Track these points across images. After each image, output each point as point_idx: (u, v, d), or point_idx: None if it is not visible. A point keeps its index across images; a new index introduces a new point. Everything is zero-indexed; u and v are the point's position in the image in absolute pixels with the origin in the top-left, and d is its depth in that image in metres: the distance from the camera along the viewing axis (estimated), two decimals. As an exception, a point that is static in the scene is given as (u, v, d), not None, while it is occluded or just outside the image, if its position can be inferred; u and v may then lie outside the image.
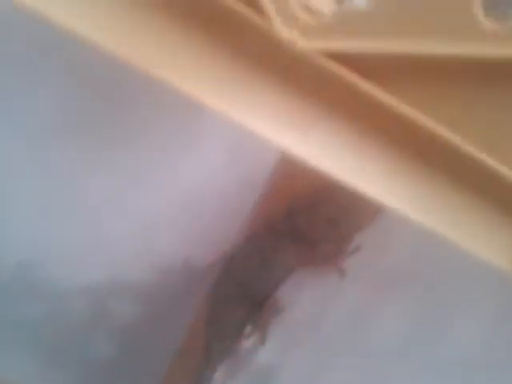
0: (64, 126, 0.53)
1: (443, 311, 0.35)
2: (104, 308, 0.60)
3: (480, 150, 0.21)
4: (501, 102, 0.21)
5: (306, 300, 0.49)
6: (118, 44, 0.19)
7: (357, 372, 0.40)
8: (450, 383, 0.32)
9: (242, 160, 0.56)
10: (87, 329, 0.60)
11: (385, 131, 0.22)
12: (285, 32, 0.20)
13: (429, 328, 0.36)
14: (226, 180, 0.57)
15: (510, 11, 0.25)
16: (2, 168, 0.52)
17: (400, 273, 0.41)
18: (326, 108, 0.21)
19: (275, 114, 0.21)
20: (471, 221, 0.23)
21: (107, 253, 0.58)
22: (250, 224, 0.56)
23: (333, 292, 0.46)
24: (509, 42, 0.19)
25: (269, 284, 0.52)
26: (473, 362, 0.31)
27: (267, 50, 0.20)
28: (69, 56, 0.47)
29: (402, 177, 0.23)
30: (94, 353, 0.61)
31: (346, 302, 0.44)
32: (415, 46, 0.20)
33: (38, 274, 0.57)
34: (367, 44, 0.20)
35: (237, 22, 0.20)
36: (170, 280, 0.59)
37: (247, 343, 0.53)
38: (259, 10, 0.19)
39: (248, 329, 0.53)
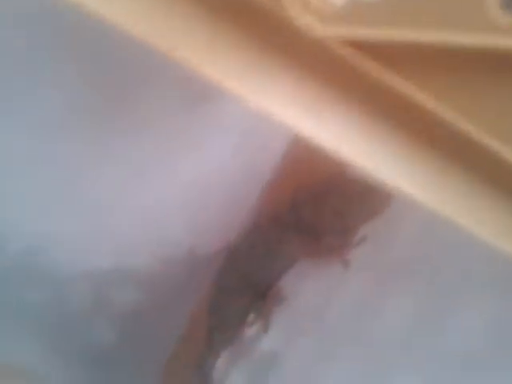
0: (69, 115, 0.53)
1: (447, 303, 0.35)
2: (107, 295, 0.60)
3: (491, 138, 0.21)
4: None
5: (310, 290, 0.49)
6: (134, 23, 0.19)
7: (360, 362, 0.40)
8: (454, 374, 0.32)
9: (248, 151, 0.56)
10: (90, 315, 0.61)
11: (398, 117, 0.22)
12: (301, 18, 0.20)
13: (432, 319, 0.36)
14: (231, 170, 0.57)
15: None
16: (6, 157, 0.52)
17: (404, 264, 0.41)
18: (341, 93, 0.21)
19: (291, 98, 0.21)
20: (481, 207, 0.24)
21: (111, 240, 0.58)
22: (255, 214, 0.56)
23: (336, 282, 0.46)
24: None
25: (272, 274, 0.53)
26: (476, 354, 0.31)
27: (284, 35, 0.20)
28: (76, 46, 0.47)
29: (414, 162, 0.23)
30: (97, 340, 0.61)
31: (349, 293, 0.44)
32: (428, 35, 0.20)
33: (41, 261, 0.57)
34: (381, 32, 0.20)
35: (254, 9, 0.20)
36: (174, 269, 0.59)
37: (250, 331, 0.54)
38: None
39: (251, 317, 0.54)
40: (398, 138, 0.22)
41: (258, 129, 0.55)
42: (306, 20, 0.20)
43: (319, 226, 0.49)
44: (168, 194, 0.58)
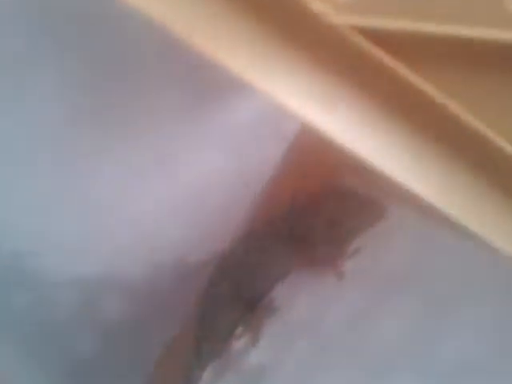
0: (67, 114, 0.52)
1: (444, 312, 0.35)
2: (93, 302, 0.59)
3: (501, 136, 0.21)
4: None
5: (303, 301, 0.48)
6: (153, 7, 0.19)
7: (353, 373, 0.40)
8: (453, 379, 0.31)
9: (243, 159, 0.56)
10: (74, 322, 0.59)
11: (405, 107, 0.22)
12: (315, 5, 0.20)
13: (429, 329, 0.36)
14: (226, 178, 0.57)
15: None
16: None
17: (400, 275, 0.41)
18: (355, 83, 0.21)
19: (304, 87, 0.21)
20: (487, 207, 0.23)
21: (100, 246, 0.57)
22: (249, 222, 0.56)
23: (330, 294, 0.46)
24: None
25: (264, 284, 0.52)
26: (475, 363, 0.31)
27: (299, 23, 0.20)
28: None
29: (423, 158, 0.23)
30: (81, 347, 0.60)
31: (344, 304, 0.44)
32: (443, 27, 0.20)
33: (29, 264, 0.56)
34: (393, 22, 0.20)
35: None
36: (164, 277, 0.58)
37: (238, 344, 0.53)
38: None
39: (240, 329, 0.53)
40: (403, 128, 0.22)
41: (255, 137, 0.55)
42: (320, 7, 0.20)
43: (314, 236, 0.49)
44: (159, 202, 0.57)
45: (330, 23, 0.20)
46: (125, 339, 0.59)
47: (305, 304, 0.48)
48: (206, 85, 0.52)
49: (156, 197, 0.56)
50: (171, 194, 0.56)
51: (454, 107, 0.21)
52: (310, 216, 0.49)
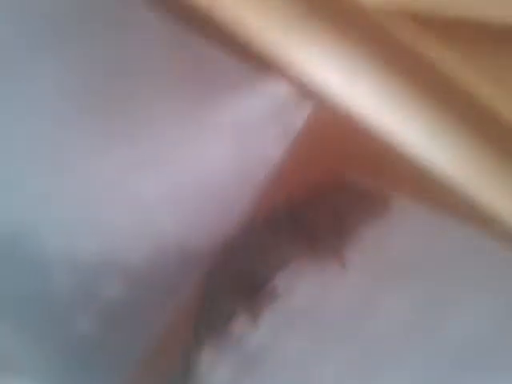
0: (67, 102, 0.52)
1: (446, 299, 0.36)
2: (91, 285, 0.59)
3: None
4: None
5: (304, 288, 0.50)
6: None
7: (353, 359, 0.41)
8: (452, 370, 0.32)
9: (246, 150, 0.57)
10: (73, 302, 0.60)
11: (433, 91, 0.22)
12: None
13: (430, 316, 0.36)
14: (228, 168, 0.57)
15: None
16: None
17: (401, 264, 0.42)
18: (378, 58, 0.22)
19: (331, 58, 0.22)
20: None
21: (99, 230, 0.57)
22: (251, 213, 0.56)
23: (332, 281, 0.47)
24: None
25: (266, 272, 0.53)
26: (475, 349, 0.32)
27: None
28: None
29: (440, 133, 0.23)
30: (79, 327, 0.60)
31: (345, 292, 0.45)
32: (478, 11, 0.21)
33: (26, 245, 0.56)
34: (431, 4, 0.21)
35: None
36: (163, 264, 0.59)
37: (238, 328, 0.54)
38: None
39: (240, 315, 0.54)
40: (427, 109, 0.23)
41: (259, 129, 0.55)
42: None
43: (316, 227, 0.50)
44: (161, 189, 0.57)
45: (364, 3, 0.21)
46: (123, 320, 0.60)
47: (306, 291, 0.50)
48: (211, 77, 0.52)
49: (158, 182, 0.57)
50: (174, 180, 0.57)
51: (486, 92, 0.22)
52: (313, 207, 0.50)
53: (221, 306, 0.54)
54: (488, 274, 0.35)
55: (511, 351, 0.31)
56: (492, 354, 0.32)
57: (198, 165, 0.55)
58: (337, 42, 0.22)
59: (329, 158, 0.50)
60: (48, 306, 0.58)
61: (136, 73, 0.52)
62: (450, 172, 0.25)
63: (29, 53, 0.49)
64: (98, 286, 0.59)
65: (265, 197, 0.55)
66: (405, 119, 0.23)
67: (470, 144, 0.24)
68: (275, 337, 0.50)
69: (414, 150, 0.24)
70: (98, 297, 0.59)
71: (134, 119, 0.53)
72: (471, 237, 0.36)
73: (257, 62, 0.49)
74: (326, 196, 0.50)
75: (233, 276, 0.54)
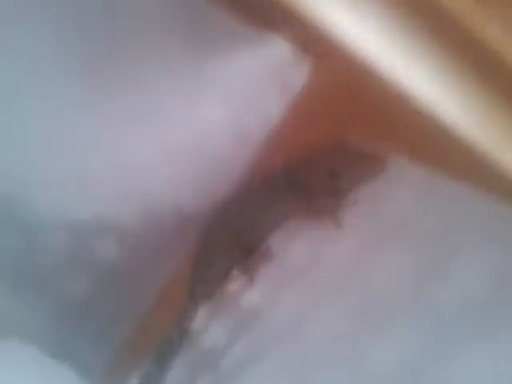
0: (62, 56, 0.51)
1: (443, 260, 0.36)
2: (84, 246, 0.59)
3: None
4: None
5: (300, 246, 0.50)
6: None
7: (350, 318, 0.41)
8: (449, 332, 0.33)
9: (243, 112, 0.57)
10: (65, 266, 0.60)
11: (443, 34, 0.22)
12: None
13: (427, 276, 0.36)
14: (225, 129, 0.57)
15: None
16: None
17: (398, 225, 0.42)
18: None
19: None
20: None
21: (93, 190, 0.57)
22: (248, 174, 0.57)
23: (328, 240, 0.48)
24: None
25: (262, 232, 0.54)
26: (474, 311, 0.32)
27: None
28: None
29: (448, 80, 0.24)
30: (72, 289, 0.60)
31: (341, 249, 0.46)
32: None
33: (19, 205, 0.56)
34: None
35: None
36: (158, 224, 0.59)
37: (233, 287, 0.55)
38: None
39: (236, 273, 0.55)
40: (436, 53, 0.23)
41: (258, 89, 0.55)
42: None
43: (313, 186, 0.50)
44: (157, 148, 0.57)
45: None
46: (117, 282, 0.60)
47: (302, 251, 0.50)
48: (210, 35, 0.52)
49: (154, 144, 0.56)
50: (170, 140, 0.56)
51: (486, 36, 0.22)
52: (311, 167, 0.50)
53: (216, 266, 0.55)
54: (488, 236, 0.35)
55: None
56: (494, 313, 0.32)
57: (195, 124, 0.55)
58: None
59: (327, 119, 0.50)
60: (39, 269, 0.58)
61: (134, 31, 0.51)
62: (456, 125, 0.25)
63: (27, 11, 0.48)
64: (91, 249, 0.59)
65: (263, 157, 0.55)
66: (412, 61, 0.23)
67: (480, 95, 0.24)
68: (270, 296, 0.50)
69: (421, 100, 0.24)
70: (91, 259, 0.59)
71: (128, 76, 0.52)
72: (469, 196, 0.36)
73: (258, 18, 0.48)
74: (323, 156, 0.50)
75: (229, 235, 0.54)
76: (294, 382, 0.41)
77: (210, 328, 0.55)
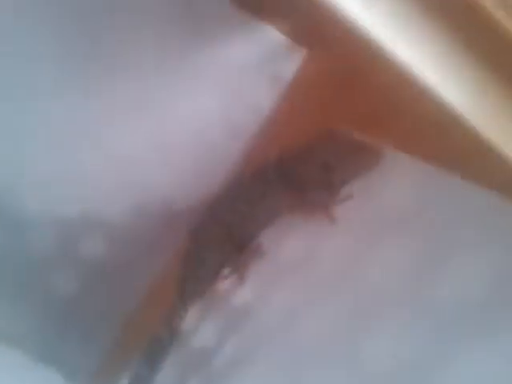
0: (54, 49, 0.50)
1: (442, 254, 0.35)
2: (73, 242, 0.58)
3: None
4: None
5: (293, 242, 0.49)
6: None
7: (345, 314, 0.40)
8: (448, 328, 0.32)
9: (235, 105, 0.56)
10: (54, 261, 0.58)
11: (452, 17, 0.22)
12: None
13: (424, 271, 0.35)
14: (215, 123, 0.56)
15: None
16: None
17: (394, 218, 0.41)
18: None
19: None
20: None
21: (81, 185, 0.56)
22: (239, 168, 0.56)
23: (322, 235, 0.46)
24: None
25: (254, 228, 0.53)
26: (474, 306, 0.31)
27: None
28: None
29: (449, 65, 0.23)
30: (60, 288, 0.59)
31: (335, 244, 0.45)
32: None
33: (6, 202, 0.55)
34: None
35: None
36: (147, 220, 0.58)
37: (224, 285, 0.54)
38: None
39: (226, 271, 0.54)
40: (444, 35, 0.22)
41: (247, 83, 0.54)
42: None
43: (305, 181, 0.49)
44: (147, 143, 0.56)
45: None
46: (106, 280, 0.59)
47: (294, 247, 0.49)
48: (202, 23, 0.51)
49: (144, 139, 0.55)
50: (160, 136, 0.55)
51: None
52: (303, 160, 0.49)
53: (208, 262, 0.53)
54: (488, 231, 0.34)
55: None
56: (495, 306, 0.31)
57: (186, 117, 0.54)
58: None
59: (320, 110, 0.49)
60: (27, 267, 0.57)
61: (127, 25, 0.50)
62: (457, 113, 0.24)
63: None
64: (79, 245, 0.58)
65: (254, 150, 0.54)
66: (413, 45, 0.22)
67: (486, 79, 0.23)
68: (262, 293, 0.49)
69: (420, 86, 0.23)
70: (80, 256, 0.58)
71: (118, 69, 0.51)
72: (469, 189, 0.35)
73: (251, 7, 0.47)
74: (316, 149, 0.48)
75: (220, 231, 0.53)
76: (288, 381, 0.39)
77: (200, 327, 0.53)
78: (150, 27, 0.50)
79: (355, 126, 0.47)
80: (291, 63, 0.52)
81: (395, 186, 0.42)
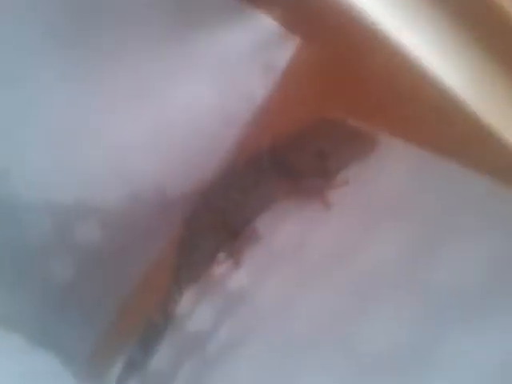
0: (40, 38, 0.50)
1: (436, 239, 0.35)
2: (68, 230, 0.58)
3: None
4: None
5: (287, 228, 0.49)
6: None
7: (340, 299, 0.40)
8: (445, 313, 0.32)
9: (228, 92, 0.56)
10: (48, 250, 0.58)
11: (453, 3, 0.22)
12: None
13: (420, 257, 0.36)
14: (208, 110, 0.56)
15: None
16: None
17: (389, 206, 0.41)
18: None
19: None
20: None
21: (76, 172, 0.56)
22: (232, 155, 0.56)
23: (316, 221, 0.47)
24: None
25: (248, 214, 0.53)
26: (471, 290, 0.31)
27: None
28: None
29: (456, 46, 0.23)
30: (56, 274, 0.59)
31: (330, 231, 0.45)
32: None
33: (1, 188, 0.54)
34: None
35: None
36: (142, 207, 0.58)
37: (219, 269, 0.54)
38: None
39: (221, 255, 0.54)
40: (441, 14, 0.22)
41: (240, 71, 0.54)
42: None
43: (300, 168, 0.49)
44: (141, 129, 0.56)
45: None
46: (101, 266, 0.59)
47: (289, 233, 0.49)
48: (195, 10, 0.51)
49: (138, 126, 0.55)
50: (152, 119, 0.55)
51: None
52: (297, 148, 0.49)
53: (202, 249, 0.54)
54: (486, 214, 0.34)
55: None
56: (492, 292, 0.31)
57: (179, 104, 0.54)
58: None
59: (314, 98, 0.49)
60: (23, 254, 0.57)
61: (118, 12, 0.50)
62: (456, 97, 0.24)
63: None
64: (74, 232, 0.58)
65: (248, 137, 0.54)
66: (411, 30, 0.22)
67: (487, 64, 0.23)
68: (257, 278, 0.50)
69: (417, 71, 0.24)
70: (75, 243, 0.58)
71: (110, 54, 0.51)
72: (468, 175, 0.35)
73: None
74: (311, 136, 0.49)
75: (214, 217, 0.53)
76: (283, 365, 0.40)
77: (195, 312, 0.54)
78: (143, 17, 0.50)
79: (351, 113, 0.47)
80: (285, 51, 0.53)
81: (391, 171, 0.43)
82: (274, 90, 0.53)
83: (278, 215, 0.52)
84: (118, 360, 0.55)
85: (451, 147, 0.35)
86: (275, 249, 0.50)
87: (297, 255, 0.47)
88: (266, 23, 0.52)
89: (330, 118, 0.48)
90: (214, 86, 0.55)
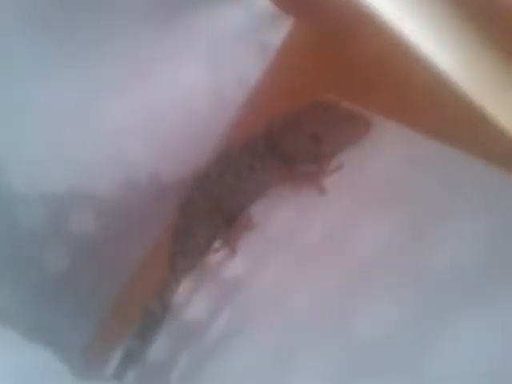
0: (29, 21, 0.49)
1: (431, 223, 0.35)
2: (62, 219, 0.57)
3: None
4: None
5: (282, 214, 0.49)
6: None
7: (337, 285, 0.39)
8: (439, 296, 0.32)
9: (221, 76, 0.55)
10: (44, 239, 0.58)
11: None
12: None
13: (415, 239, 0.35)
14: (202, 94, 0.55)
15: None
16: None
17: (385, 190, 0.41)
18: None
19: None
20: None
21: (69, 161, 0.55)
22: (226, 141, 0.55)
23: (311, 207, 0.46)
24: None
25: (243, 201, 0.52)
26: (469, 270, 0.31)
27: None
28: None
29: (449, 28, 0.22)
30: (51, 264, 0.58)
31: (325, 216, 0.44)
32: None
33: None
34: None
35: None
36: (136, 195, 0.58)
37: (215, 257, 0.54)
38: None
39: (217, 243, 0.54)
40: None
41: (235, 52, 0.53)
42: None
43: (294, 152, 0.48)
44: (132, 115, 0.55)
45: None
46: (96, 255, 0.59)
47: (284, 219, 0.49)
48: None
49: (130, 111, 0.54)
50: (144, 105, 0.54)
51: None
52: (291, 132, 0.48)
53: (197, 236, 0.53)
54: (479, 194, 0.34)
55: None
56: (488, 276, 0.31)
57: (172, 88, 0.53)
58: None
59: (308, 80, 0.48)
60: (17, 244, 0.56)
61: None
62: (452, 80, 0.24)
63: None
64: (68, 221, 0.57)
65: (242, 121, 0.53)
66: (409, 12, 0.22)
67: (480, 46, 0.23)
68: (254, 265, 0.49)
69: (414, 53, 0.23)
70: (69, 232, 0.58)
71: (100, 36, 0.49)
72: (465, 159, 0.35)
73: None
74: (304, 120, 0.48)
75: (209, 204, 0.52)
76: (282, 353, 0.40)
77: (192, 300, 0.53)
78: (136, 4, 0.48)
79: (345, 95, 0.46)
80: (279, 31, 0.52)
81: (385, 154, 0.42)
82: (268, 71, 0.52)
83: (272, 201, 0.51)
84: (115, 350, 0.55)
85: (444, 129, 0.35)
86: (271, 235, 0.49)
87: (292, 241, 0.46)
88: (259, 3, 0.50)
89: (324, 101, 0.47)
90: (207, 68, 0.54)
